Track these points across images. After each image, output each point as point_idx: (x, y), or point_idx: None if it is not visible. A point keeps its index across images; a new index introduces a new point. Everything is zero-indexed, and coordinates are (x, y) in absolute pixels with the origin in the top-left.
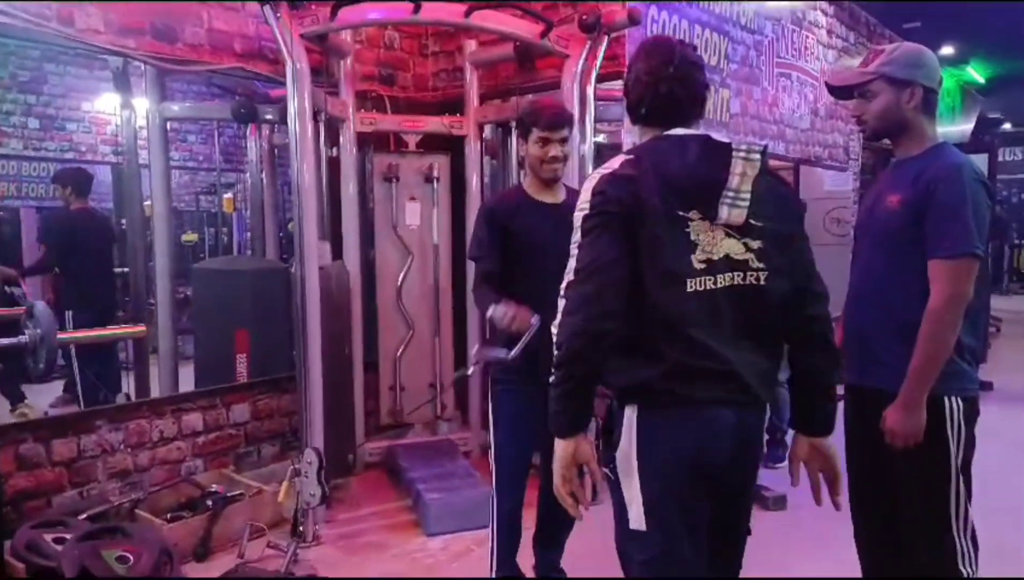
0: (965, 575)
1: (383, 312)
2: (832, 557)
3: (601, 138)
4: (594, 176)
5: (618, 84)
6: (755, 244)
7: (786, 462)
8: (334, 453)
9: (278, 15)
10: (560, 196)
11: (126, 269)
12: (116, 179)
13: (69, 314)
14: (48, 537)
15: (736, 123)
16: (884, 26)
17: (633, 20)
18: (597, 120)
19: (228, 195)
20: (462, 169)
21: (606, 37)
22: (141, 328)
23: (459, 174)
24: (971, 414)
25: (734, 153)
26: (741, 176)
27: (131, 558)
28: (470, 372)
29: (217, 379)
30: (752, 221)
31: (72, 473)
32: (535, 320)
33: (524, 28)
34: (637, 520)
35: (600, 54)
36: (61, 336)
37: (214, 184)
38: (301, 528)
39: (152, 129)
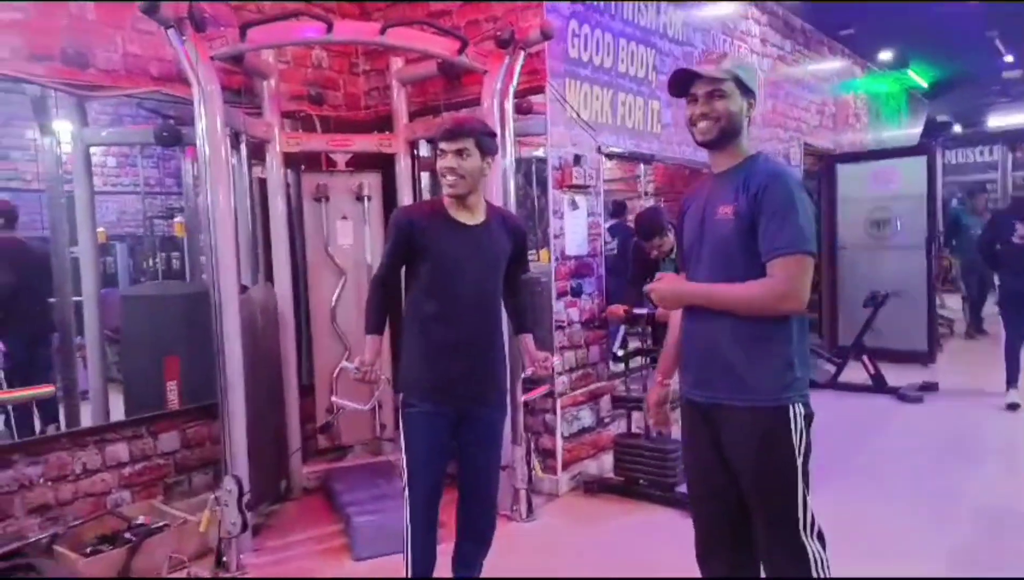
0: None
1: (317, 334)
2: None
3: (540, 152)
4: None
5: (540, 98)
6: None
7: None
8: (264, 479)
9: (184, 38)
10: (480, 216)
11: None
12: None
13: None
14: None
15: (668, 133)
16: (820, 32)
17: (546, 35)
18: (520, 134)
19: (179, 219)
20: (395, 187)
21: (522, 53)
22: (49, 388)
23: (392, 192)
24: (809, 420)
25: None
26: None
27: None
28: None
29: (147, 407)
30: None
31: None
32: (385, 379)
33: (441, 45)
34: None
35: (517, 70)
36: None
37: (171, 208)
38: (224, 558)
39: (74, 156)
